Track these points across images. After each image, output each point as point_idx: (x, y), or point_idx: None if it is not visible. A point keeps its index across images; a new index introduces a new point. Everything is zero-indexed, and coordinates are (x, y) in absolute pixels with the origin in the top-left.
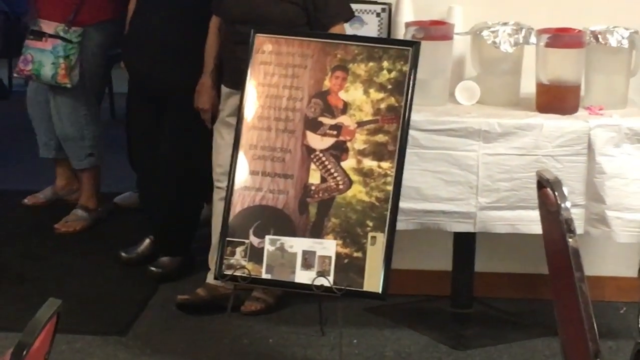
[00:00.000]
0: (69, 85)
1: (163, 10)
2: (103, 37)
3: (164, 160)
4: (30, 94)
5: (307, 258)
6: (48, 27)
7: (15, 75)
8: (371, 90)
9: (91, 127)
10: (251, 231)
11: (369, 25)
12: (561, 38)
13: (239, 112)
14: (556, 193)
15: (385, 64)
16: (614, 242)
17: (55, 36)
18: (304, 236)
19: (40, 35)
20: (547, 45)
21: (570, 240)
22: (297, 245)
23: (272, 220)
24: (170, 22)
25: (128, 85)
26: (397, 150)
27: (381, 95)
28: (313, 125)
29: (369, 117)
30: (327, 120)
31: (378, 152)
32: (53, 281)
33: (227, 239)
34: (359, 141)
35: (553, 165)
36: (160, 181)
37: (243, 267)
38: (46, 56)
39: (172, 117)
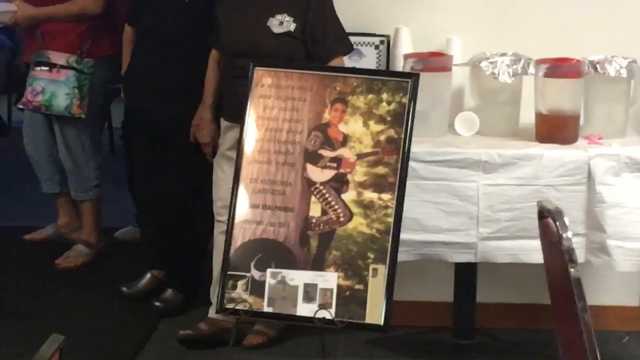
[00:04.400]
0: (83, 116)
1: (163, 46)
2: (108, 70)
3: (169, 197)
4: (27, 130)
5: (309, 291)
6: (58, 58)
7: (20, 106)
8: (371, 123)
9: (96, 158)
10: (252, 264)
11: (367, 57)
12: (560, 68)
13: (238, 145)
14: (557, 223)
15: (384, 96)
16: (616, 271)
17: (68, 67)
18: (305, 269)
19: (49, 66)
20: (546, 75)
21: (571, 270)
22: (298, 278)
23: (273, 253)
24: (170, 59)
25: (126, 121)
26: (397, 182)
27: (381, 127)
28: (313, 157)
29: (369, 149)
30: (327, 153)
31: (378, 184)
32: (54, 317)
33: (229, 272)
34: (359, 173)
35: (553, 195)
36: (165, 217)
37: (244, 300)
38: (59, 87)
39: (174, 153)
